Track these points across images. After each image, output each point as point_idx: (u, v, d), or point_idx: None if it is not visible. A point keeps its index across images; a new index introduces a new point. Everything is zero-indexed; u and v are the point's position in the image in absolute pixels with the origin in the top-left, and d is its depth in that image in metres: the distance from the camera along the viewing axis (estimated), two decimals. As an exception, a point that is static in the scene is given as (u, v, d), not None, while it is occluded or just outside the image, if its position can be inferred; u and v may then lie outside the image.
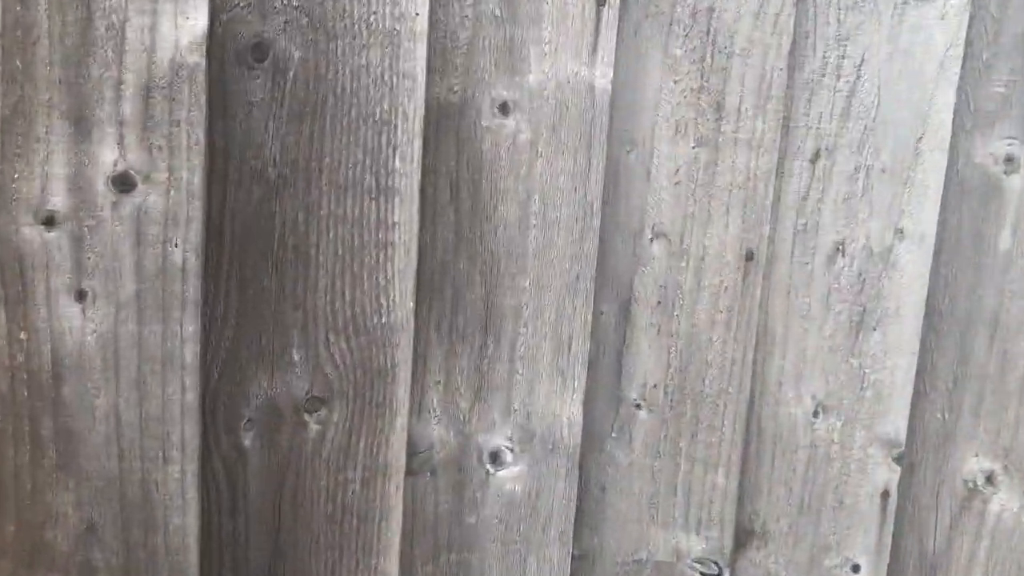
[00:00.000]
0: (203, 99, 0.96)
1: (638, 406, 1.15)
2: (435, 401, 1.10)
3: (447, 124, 1.05)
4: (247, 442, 1.06)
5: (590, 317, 1.10)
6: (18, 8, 0.89)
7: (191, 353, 1.01)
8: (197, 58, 0.91)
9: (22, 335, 0.98)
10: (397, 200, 1.03)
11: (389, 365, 1.06)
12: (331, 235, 1.03)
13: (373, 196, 1.03)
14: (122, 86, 0.95)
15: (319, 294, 1.04)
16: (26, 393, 0.99)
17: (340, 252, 1.04)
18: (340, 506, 1.09)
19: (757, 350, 1.15)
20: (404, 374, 1.07)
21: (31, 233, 0.96)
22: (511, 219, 1.08)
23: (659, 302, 1.13)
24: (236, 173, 1.01)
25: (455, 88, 1.05)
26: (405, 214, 1.04)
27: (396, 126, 1.02)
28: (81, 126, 0.95)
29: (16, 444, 0.99)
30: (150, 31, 0.90)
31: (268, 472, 1.07)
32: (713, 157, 1.10)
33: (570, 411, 1.12)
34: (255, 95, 1.00)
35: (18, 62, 0.90)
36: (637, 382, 1.14)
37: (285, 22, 0.95)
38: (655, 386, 1.15)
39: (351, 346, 1.06)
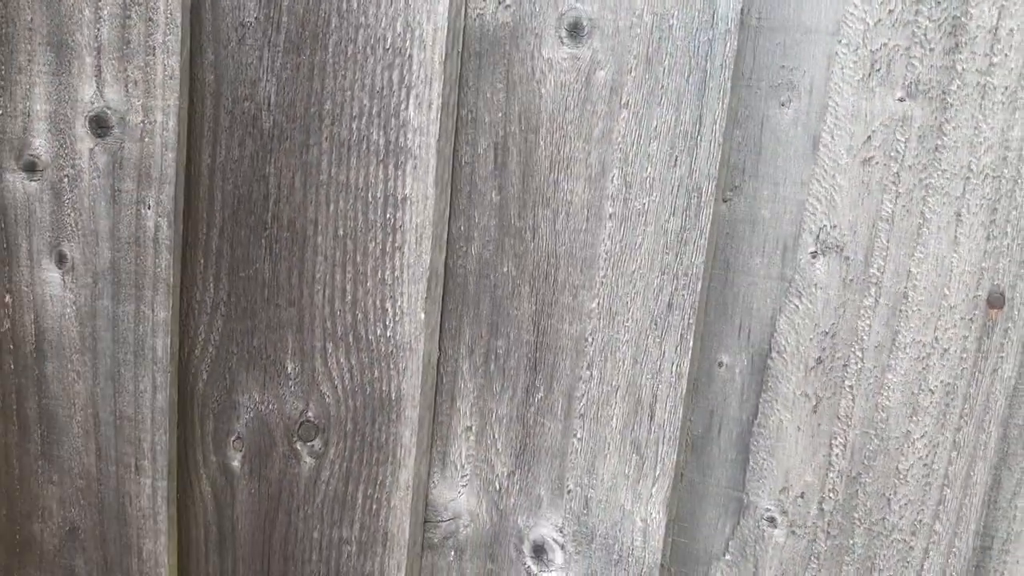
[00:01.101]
0: (179, 18, 0.75)
1: (772, 521, 0.71)
2: (463, 455, 0.78)
3: (494, 57, 0.71)
4: (236, 463, 0.84)
5: (687, 368, 0.69)
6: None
7: (161, 345, 0.81)
8: (176, -34, 0.72)
9: (7, 298, 0.85)
10: (409, 165, 0.72)
11: (393, 396, 0.76)
12: (331, 209, 0.76)
13: (380, 158, 0.73)
14: (100, 3, 0.78)
15: (316, 288, 0.77)
16: (12, 366, 0.86)
17: (341, 233, 0.76)
18: (335, 572, 0.82)
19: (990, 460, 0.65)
20: (411, 412, 0.76)
21: (14, 182, 0.82)
22: (577, 203, 0.70)
23: (820, 360, 0.68)
24: (227, 119, 0.78)
25: (508, 2, 0.70)
26: (418, 186, 0.72)
27: (411, 57, 0.71)
28: (62, 54, 0.80)
29: (5, 421, 0.87)
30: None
31: (258, 506, 0.84)
32: (938, 118, 0.62)
33: (648, 509, 0.72)
34: (248, 14, 0.75)
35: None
36: (773, 484, 0.71)
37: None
38: (803, 495, 0.70)
39: (351, 362, 0.78)
